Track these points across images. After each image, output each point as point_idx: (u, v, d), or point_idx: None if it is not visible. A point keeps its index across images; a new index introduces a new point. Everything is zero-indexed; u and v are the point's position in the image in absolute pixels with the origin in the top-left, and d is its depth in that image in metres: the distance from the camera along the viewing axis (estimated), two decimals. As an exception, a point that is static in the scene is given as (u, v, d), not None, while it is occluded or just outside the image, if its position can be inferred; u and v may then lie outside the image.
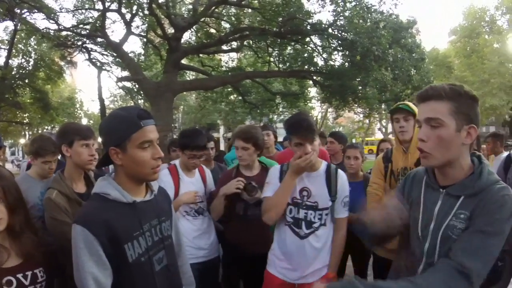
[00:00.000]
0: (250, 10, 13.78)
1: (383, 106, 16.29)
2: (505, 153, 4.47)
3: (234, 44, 15.10)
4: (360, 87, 13.22)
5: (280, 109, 21.98)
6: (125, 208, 1.42)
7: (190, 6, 14.14)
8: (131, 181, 1.47)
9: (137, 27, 14.41)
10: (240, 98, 17.34)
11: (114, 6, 12.68)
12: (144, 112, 1.44)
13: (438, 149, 1.30)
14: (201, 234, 2.83)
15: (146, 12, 12.05)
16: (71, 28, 13.86)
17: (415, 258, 1.44)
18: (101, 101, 15.62)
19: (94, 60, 15.68)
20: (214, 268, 2.93)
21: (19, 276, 1.53)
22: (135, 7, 12.22)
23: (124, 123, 1.39)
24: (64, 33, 14.10)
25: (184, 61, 14.88)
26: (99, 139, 2.76)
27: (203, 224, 2.85)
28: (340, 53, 13.17)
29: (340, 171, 2.35)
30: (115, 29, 21.20)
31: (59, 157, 2.55)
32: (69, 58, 16.91)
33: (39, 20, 13.82)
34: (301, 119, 2.16)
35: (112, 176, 1.53)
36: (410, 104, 2.63)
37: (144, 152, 1.40)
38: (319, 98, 23.80)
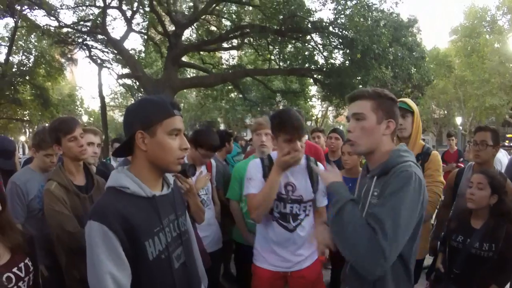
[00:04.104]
0: (251, 8, 13.76)
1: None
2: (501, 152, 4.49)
3: (235, 41, 15.11)
4: (360, 85, 13.21)
5: (280, 107, 21.99)
6: (144, 202, 1.34)
7: (191, 3, 14.11)
8: (151, 171, 1.39)
9: (138, 24, 14.43)
10: (240, 95, 17.35)
11: (115, 3, 12.73)
12: (176, 103, 1.42)
13: (362, 138, 1.56)
14: (202, 226, 2.85)
15: (147, 9, 12.07)
16: (71, 25, 13.86)
17: None
18: (102, 98, 15.65)
19: (94, 57, 15.68)
20: (213, 260, 2.95)
21: (15, 270, 1.56)
22: (135, 4, 12.23)
23: (158, 107, 1.35)
24: (64, 30, 14.10)
25: (184, 59, 14.88)
26: (94, 139, 2.80)
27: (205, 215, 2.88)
28: (341, 51, 13.18)
29: (318, 163, 2.40)
30: (115, 26, 21.48)
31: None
32: (69, 55, 16.87)
33: (39, 16, 13.77)
34: (290, 115, 2.11)
35: (126, 168, 1.42)
36: (408, 101, 2.64)
37: (173, 140, 1.35)
38: (319, 96, 23.83)
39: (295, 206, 2.24)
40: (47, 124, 20.75)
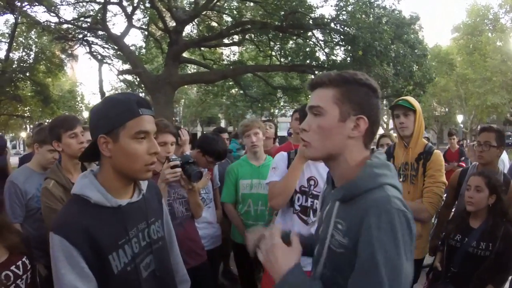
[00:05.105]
0: (252, 4, 13.70)
1: (384, 102, 16.23)
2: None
3: (236, 37, 15.06)
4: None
5: (281, 104, 21.97)
6: (108, 212, 1.24)
7: (192, -1, 14.08)
8: (118, 178, 1.27)
9: (138, 20, 14.42)
10: (241, 92, 17.32)
11: (115, -2, 12.62)
12: (144, 100, 1.27)
13: (317, 139, 1.12)
14: (201, 224, 2.84)
15: (148, 4, 12.02)
16: (72, 21, 13.82)
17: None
18: (102, 94, 15.58)
19: (95, 53, 15.63)
20: (212, 258, 2.94)
21: (13, 268, 1.57)
22: (136, 0, 12.17)
23: (120, 107, 1.20)
24: (64, 26, 14.06)
25: (185, 55, 14.86)
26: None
27: (205, 214, 2.88)
28: (342, 48, 13.13)
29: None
30: (116, 22, 21.27)
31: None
32: (69, 51, 16.81)
33: (39, 13, 13.76)
34: None
35: (95, 171, 1.32)
36: (410, 99, 2.62)
37: (139, 145, 1.21)
38: (320, 93, 23.78)
39: (315, 201, 2.24)
40: (47, 121, 20.80)
